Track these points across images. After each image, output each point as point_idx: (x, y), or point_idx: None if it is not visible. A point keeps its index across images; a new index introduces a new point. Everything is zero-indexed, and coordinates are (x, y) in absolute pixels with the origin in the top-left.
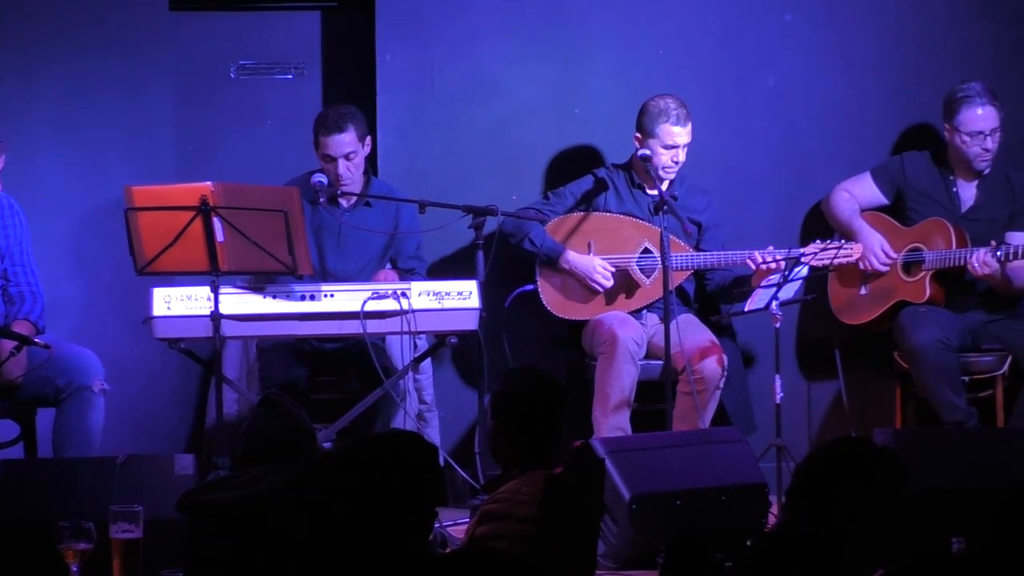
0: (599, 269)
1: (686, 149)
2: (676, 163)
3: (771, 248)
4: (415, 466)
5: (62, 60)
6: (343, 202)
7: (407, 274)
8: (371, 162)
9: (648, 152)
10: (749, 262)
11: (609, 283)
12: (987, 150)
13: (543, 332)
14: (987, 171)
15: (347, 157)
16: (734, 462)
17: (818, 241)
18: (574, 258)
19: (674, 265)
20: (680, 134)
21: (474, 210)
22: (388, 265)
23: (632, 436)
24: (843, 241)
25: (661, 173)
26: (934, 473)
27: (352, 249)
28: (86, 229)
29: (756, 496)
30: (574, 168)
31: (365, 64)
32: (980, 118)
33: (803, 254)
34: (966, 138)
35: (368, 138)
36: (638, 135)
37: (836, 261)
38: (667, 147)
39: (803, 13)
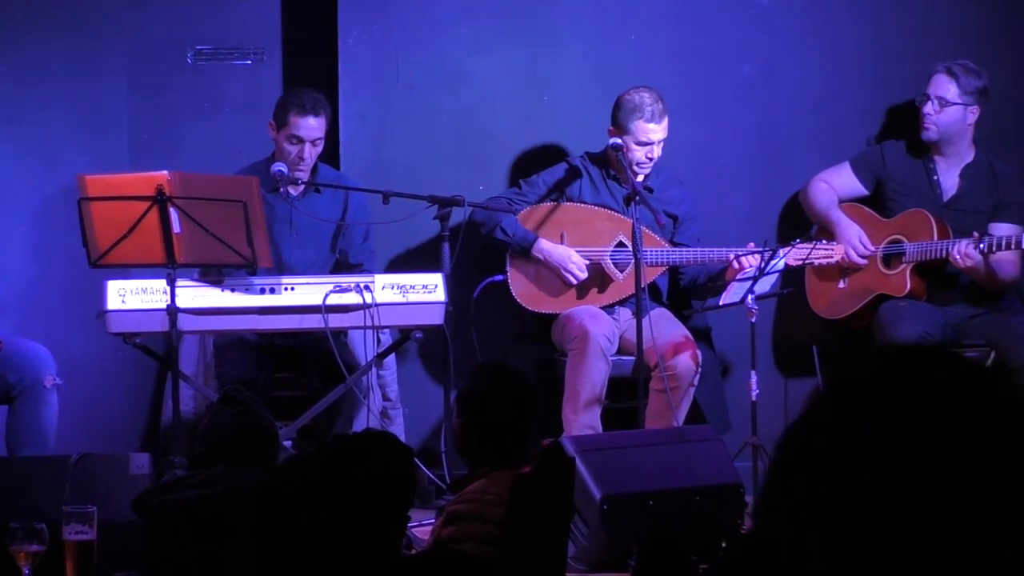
0: (574, 260)
1: (662, 145)
2: (650, 159)
3: (751, 245)
4: (391, 470)
5: (12, 45)
6: (292, 190)
7: (358, 270)
8: (333, 151)
9: (619, 141)
10: (729, 256)
11: (583, 275)
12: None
13: (512, 326)
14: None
15: (313, 143)
16: (708, 462)
17: (797, 240)
18: (548, 247)
19: (648, 260)
20: (655, 131)
21: (440, 201)
22: (338, 256)
23: (603, 435)
24: (823, 240)
25: (635, 168)
26: None
27: (307, 238)
28: (38, 220)
29: (731, 497)
30: (543, 157)
31: (327, 49)
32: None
33: (780, 248)
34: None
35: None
36: (612, 128)
37: (814, 261)
38: (641, 144)
39: None
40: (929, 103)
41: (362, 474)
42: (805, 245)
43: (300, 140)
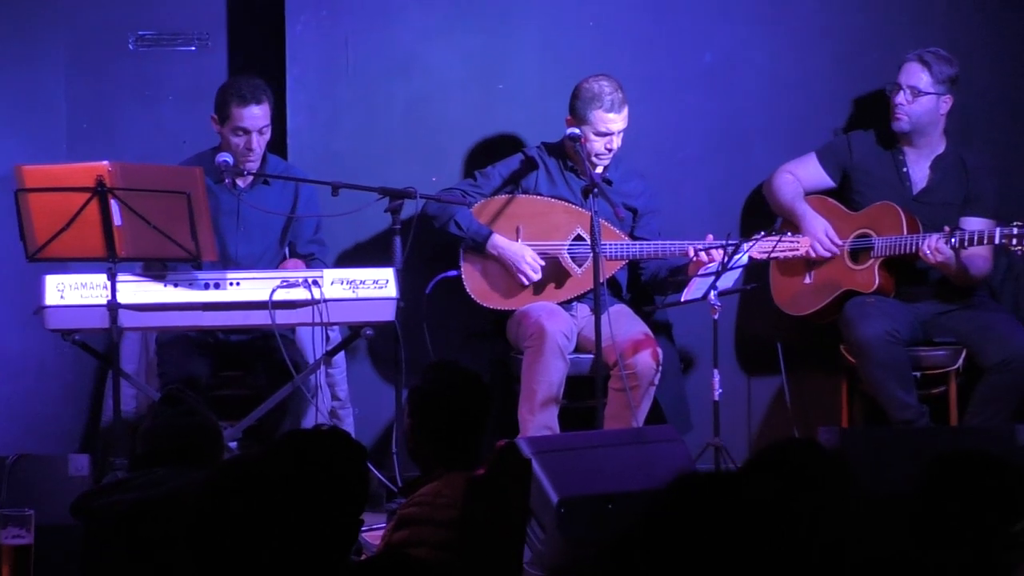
0: (528, 260)
1: (621, 135)
2: (609, 150)
3: (710, 237)
4: (342, 470)
5: None
6: (240, 182)
7: (307, 260)
8: (280, 141)
9: (577, 132)
10: (690, 251)
11: (537, 276)
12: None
13: (466, 323)
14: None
15: (260, 131)
16: (670, 463)
17: (761, 233)
18: (502, 243)
19: (607, 254)
20: (614, 121)
21: (391, 193)
22: (287, 251)
23: (560, 435)
24: (788, 233)
25: (594, 159)
26: (882, 475)
27: (254, 232)
28: None
29: None
30: (498, 148)
31: (274, 36)
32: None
33: (743, 241)
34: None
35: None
36: (570, 118)
37: (779, 254)
38: (600, 134)
39: None
40: (901, 92)
41: (311, 473)
42: (770, 238)
43: (246, 131)
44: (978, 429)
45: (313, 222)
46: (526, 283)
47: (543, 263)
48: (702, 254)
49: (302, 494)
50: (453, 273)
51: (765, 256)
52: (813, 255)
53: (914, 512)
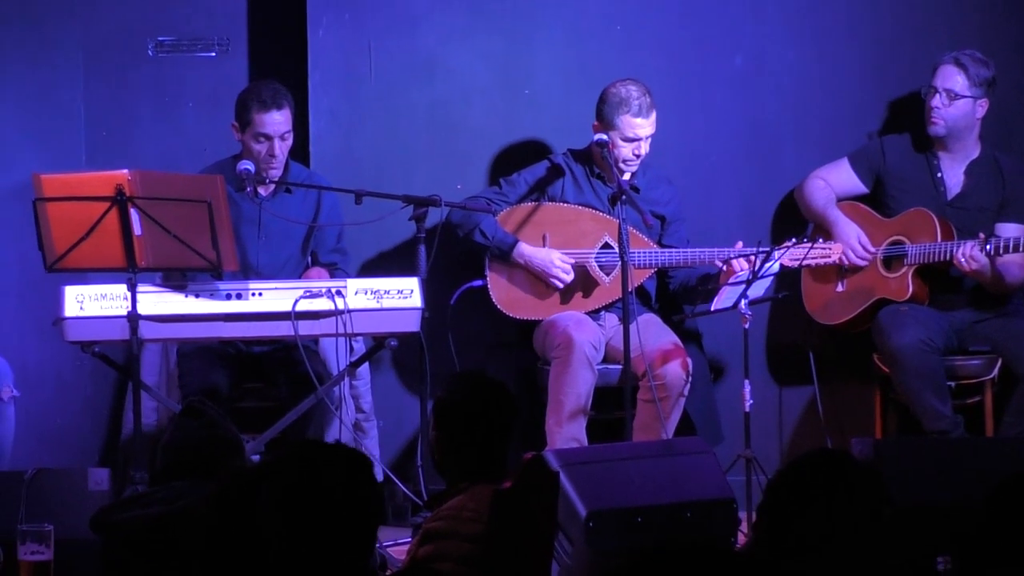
0: (558, 263)
1: (649, 141)
2: (637, 156)
3: (740, 245)
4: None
5: None
6: (261, 190)
7: (329, 270)
8: (302, 147)
9: (605, 138)
10: (717, 262)
11: (569, 278)
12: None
13: (492, 333)
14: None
15: (282, 137)
16: (699, 475)
17: (792, 240)
18: (529, 251)
19: (636, 262)
20: (642, 126)
21: (415, 200)
22: (309, 260)
23: (588, 447)
24: (820, 240)
25: (621, 166)
26: (917, 487)
27: (276, 241)
28: None
29: (724, 512)
30: (523, 154)
31: (295, 41)
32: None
33: (775, 249)
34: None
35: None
36: (596, 123)
37: (811, 261)
38: (628, 139)
39: None
40: (937, 96)
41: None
42: (801, 246)
43: (268, 137)
44: (1017, 440)
45: (335, 231)
46: (560, 286)
47: (573, 262)
48: (733, 262)
49: (305, 506)
50: (478, 283)
51: (796, 264)
52: (846, 263)
53: (979, 526)
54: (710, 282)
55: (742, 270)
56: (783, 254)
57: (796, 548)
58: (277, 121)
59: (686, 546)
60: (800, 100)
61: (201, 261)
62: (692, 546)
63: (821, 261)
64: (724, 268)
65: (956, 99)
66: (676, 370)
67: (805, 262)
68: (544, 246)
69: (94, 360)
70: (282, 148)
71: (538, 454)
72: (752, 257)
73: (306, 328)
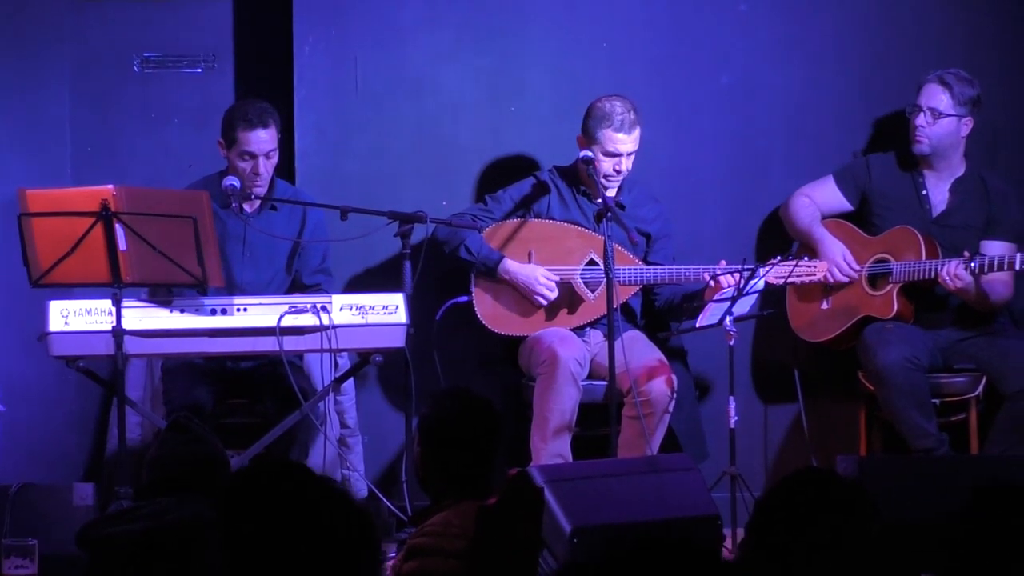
0: (542, 280)
1: (632, 158)
2: (618, 172)
3: (723, 263)
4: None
5: None
6: (246, 207)
7: (313, 291)
8: (288, 164)
9: (590, 154)
10: (705, 276)
11: (553, 295)
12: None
13: (477, 349)
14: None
15: (267, 156)
16: (684, 492)
17: (777, 257)
18: (514, 267)
19: (621, 279)
20: (624, 141)
21: (401, 217)
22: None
23: (573, 464)
24: (805, 258)
25: (603, 181)
26: (902, 505)
27: (261, 258)
28: None
29: (708, 529)
30: (511, 171)
31: (281, 57)
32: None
33: (760, 267)
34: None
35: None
36: (581, 137)
37: (796, 279)
38: (608, 154)
39: (759, 2)
40: (921, 115)
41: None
42: (786, 263)
43: (253, 156)
44: (1001, 458)
45: (320, 249)
46: (544, 303)
47: (558, 279)
48: (720, 279)
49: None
50: (464, 299)
51: (781, 281)
52: (831, 280)
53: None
54: (695, 299)
55: (728, 287)
56: (768, 271)
57: (784, 566)
58: (262, 139)
59: (671, 545)
60: (786, 118)
61: (187, 277)
62: (677, 545)
63: (806, 279)
64: (711, 284)
65: (940, 118)
66: (661, 387)
67: (790, 280)
68: (530, 262)
69: (79, 375)
70: (267, 166)
71: (523, 470)
72: (737, 274)
73: (291, 344)
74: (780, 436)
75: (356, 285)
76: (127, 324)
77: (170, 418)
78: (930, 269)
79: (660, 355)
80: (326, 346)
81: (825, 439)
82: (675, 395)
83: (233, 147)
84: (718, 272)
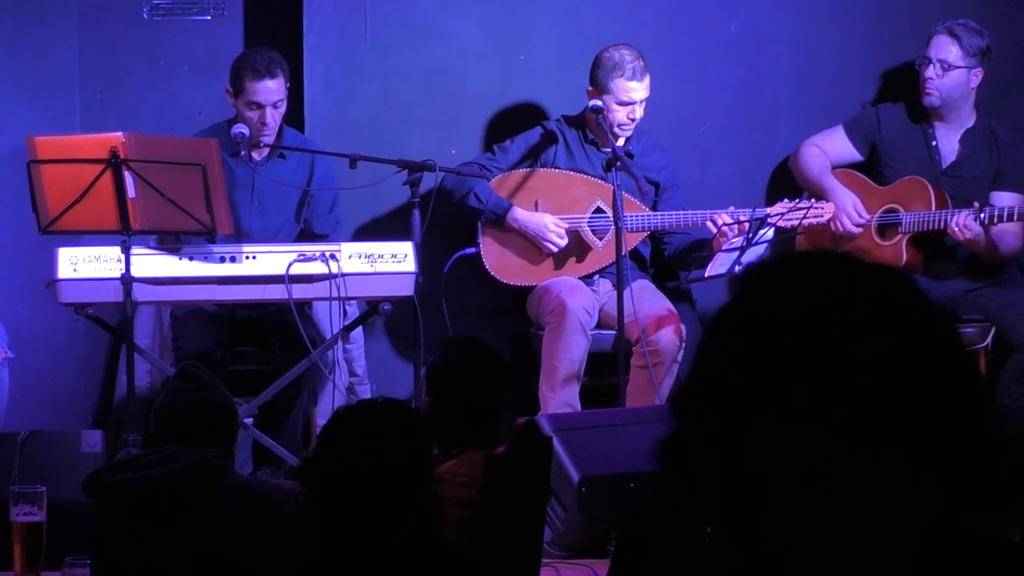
0: (552, 227)
1: (644, 105)
2: (632, 120)
3: (732, 209)
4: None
5: None
6: (255, 155)
7: (323, 241)
8: (297, 112)
9: (600, 104)
10: (710, 224)
11: (564, 242)
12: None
13: (485, 299)
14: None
15: (275, 105)
16: None
17: (786, 200)
18: (523, 216)
19: (629, 226)
20: (637, 89)
21: (410, 165)
22: (303, 226)
23: (582, 413)
24: (813, 201)
25: (616, 130)
26: None
27: (269, 206)
28: None
29: None
30: (519, 120)
31: (290, 4)
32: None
33: (769, 215)
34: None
35: (288, 85)
36: (591, 88)
37: (805, 222)
38: (622, 103)
39: None
40: (931, 67)
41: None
42: (795, 207)
43: (260, 106)
44: (1009, 409)
45: (329, 198)
46: (554, 250)
47: (567, 227)
48: (725, 228)
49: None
50: (472, 250)
51: (791, 225)
52: (840, 229)
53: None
54: (704, 248)
55: (737, 236)
56: (776, 218)
57: None
58: (270, 89)
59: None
60: (795, 67)
61: (195, 224)
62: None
63: (814, 221)
64: (717, 234)
65: (950, 70)
66: (670, 336)
67: (802, 222)
68: (537, 211)
69: (88, 322)
70: (274, 116)
71: (531, 419)
72: (746, 223)
73: (300, 292)
74: None
75: (365, 233)
76: (136, 271)
77: (178, 366)
78: (940, 220)
79: (669, 304)
80: (335, 294)
81: None
82: (684, 345)
83: (241, 96)
84: (724, 222)
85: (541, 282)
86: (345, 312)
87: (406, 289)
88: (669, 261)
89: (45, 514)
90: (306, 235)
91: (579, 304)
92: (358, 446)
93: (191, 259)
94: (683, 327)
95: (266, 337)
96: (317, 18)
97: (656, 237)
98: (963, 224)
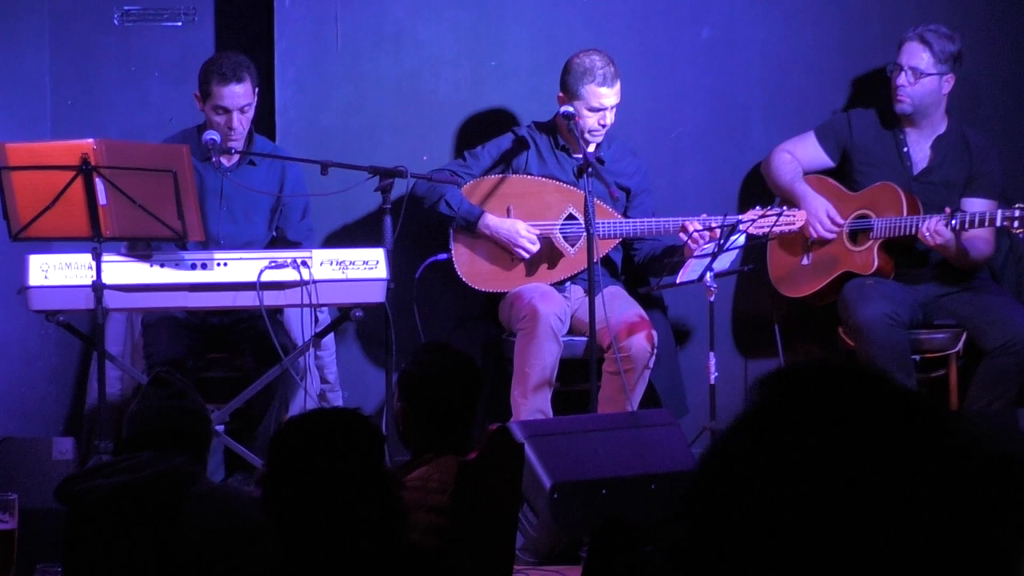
0: (524, 233)
1: (615, 111)
2: (603, 126)
3: (704, 215)
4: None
5: None
6: (225, 161)
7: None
8: (268, 118)
9: (571, 110)
10: (682, 234)
11: (535, 247)
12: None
13: (457, 305)
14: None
15: (242, 110)
16: (664, 447)
17: (757, 207)
18: (495, 222)
19: (600, 233)
20: (607, 95)
21: (381, 172)
22: (275, 233)
23: (553, 419)
24: (784, 208)
25: (587, 136)
26: None
27: (239, 212)
28: None
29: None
30: (491, 126)
31: (261, 10)
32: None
33: (740, 221)
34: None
35: (256, 90)
36: (561, 94)
37: (777, 229)
38: (593, 109)
39: None
40: (902, 74)
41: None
42: (767, 213)
43: (226, 110)
44: (980, 414)
45: (300, 205)
46: (526, 256)
47: (539, 233)
48: (696, 235)
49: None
50: (443, 257)
51: (762, 232)
52: (813, 235)
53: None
54: (675, 254)
55: (708, 242)
56: (748, 225)
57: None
58: (237, 94)
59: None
60: (767, 73)
61: (166, 231)
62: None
63: (786, 228)
64: (688, 240)
65: (921, 77)
66: (641, 342)
67: (774, 229)
68: (508, 218)
69: (59, 329)
70: (241, 121)
71: (503, 425)
72: (717, 230)
73: (271, 298)
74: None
75: (336, 240)
76: (107, 278)
77: (150, 372)
78: (911, 225)
79: (640, 311)
80: (306, 301)
81: None
82: (655, 350)
83: (208, 100)
84: (695, 229)
85: (513, 288)
86: (316, 319)
87: (378, 296)
88: (640, 267)
89: (16, 521)
90: (279, 242)
91: (551, 310)
92: (303, 455)
93: (162, 266)
94: (655, 333)
95: (238, 344)
96: (288, 24)
97: (627, 243)
98: (934, 230)
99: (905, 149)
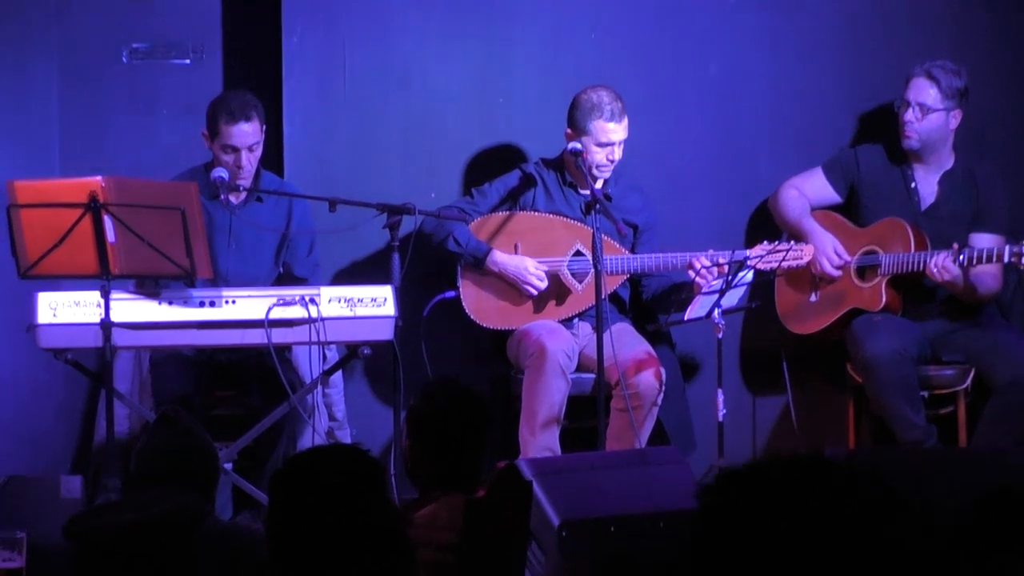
0: (532, 270)
1: (622, 146)
2: (611, 162)
3: (711, 251)
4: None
5: None
6: (232, 198)
7: (302, 285)
8: (276, 155)
9: (579, 146)
10: (690, 271)
11: (544, 284)
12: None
13: (465, 343)
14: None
15: (250, 149)
16: (673, 485)
17: (765, 243)
18: (503, 259)
19: (608, 269)
20: (615, 131)
21: (389, 209)
22: (281, 270)
23: (562, 456)
24: (792, 243)
25: (595, 172)
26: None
27: (247, 249)
28: None
29: None
30: (498, 163)
31: (270, 48)
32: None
33: (748, 257)
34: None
35: (264, 128)
36: (569, 131)
37: (784, 264)
38: (601, 145)
39: None
40: (910, 110)
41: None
42: (779, 247)
43: (235, 149)
44: (990, 451)
45: (307, 241)
46: (534, 293)
47: (547, 269)
48: (704, 271)
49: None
50: (451, 294)
51: (770, 268)
52: (819, 270)
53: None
54: (683, 291)
55: (716, 279)
56: (756, 260)
57: None
58: (245, 132)
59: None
60: (774, 109)
61: (175, 268)
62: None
63: (794, 263)
64: (696, 276)
65: (929, 112)
66: (649, 379)
67: (782, 264)
68: (516, 254)
69: (67, 367)
70: (250, 159)
71: (511, 463)
72: (725, 266)
73: (279, 336)
74: (769, 428)
75: (344, 277)
76: (115, 316)
77: (158, 410)
78: (919, 261)
79: (648, 347)
80: (314, 338)
81: (814, 431)
82: (663, 388)
83: (216, 139)
84: (703, 265)
85: (521, 325)
86: (324, 356)
87: (386, 333)
88: (648, 304)
89: (24, 560)
90: (286, 278)
91: (559, 347)
92: (303, 493)
93: (171, 303)
94: (663, 370)
95: (245, 381)
96: (296, 61)
97: (635, 280)
98: (942, 266)
99: (913, 185)
